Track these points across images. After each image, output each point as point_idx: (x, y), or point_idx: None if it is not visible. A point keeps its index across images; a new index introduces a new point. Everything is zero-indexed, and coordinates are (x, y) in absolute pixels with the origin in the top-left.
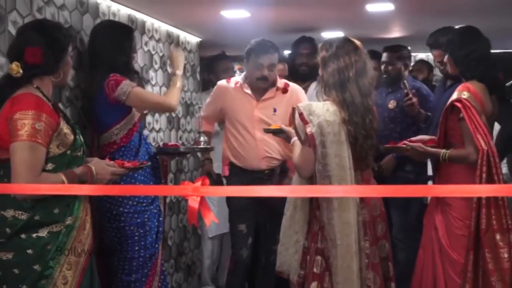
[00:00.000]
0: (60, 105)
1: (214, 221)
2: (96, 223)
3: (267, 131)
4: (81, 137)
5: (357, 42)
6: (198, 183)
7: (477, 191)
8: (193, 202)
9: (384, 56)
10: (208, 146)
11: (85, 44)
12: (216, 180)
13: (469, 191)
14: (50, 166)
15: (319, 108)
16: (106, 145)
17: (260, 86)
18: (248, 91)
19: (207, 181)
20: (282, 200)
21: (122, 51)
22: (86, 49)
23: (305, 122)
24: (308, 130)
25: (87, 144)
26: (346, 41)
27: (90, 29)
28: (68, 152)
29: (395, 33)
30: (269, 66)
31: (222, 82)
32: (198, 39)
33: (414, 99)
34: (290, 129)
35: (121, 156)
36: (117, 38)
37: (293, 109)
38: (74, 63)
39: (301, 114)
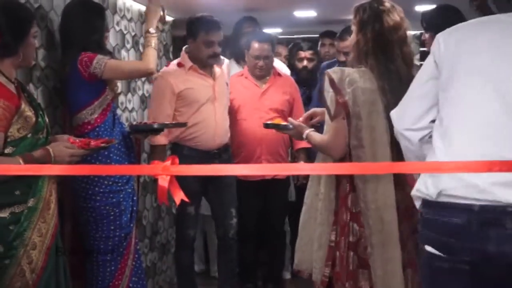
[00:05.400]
0: (30, 85)
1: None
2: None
3: (268, 126)
4: (45, 118)
5: (398, 7)
6: (168, 162)
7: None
8: (163, 182)
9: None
10: (182, 122)
11: (56, 24)
12: None
13: (435, 167)
14: (10, 149)
15: (353, 73)
16: (80, 126)
17: (211, 64)
18: (203, 71)
19: (177, 160)
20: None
21: (94, 30)
22: (56, 29)
23: (337, 90)
24: (341, 99)
25: (59, 124)
26: (385, 2)
27: (60, 8)
28: (29, 135)
29: None
30: (219, 42)
31: (165, 69)
32: (171, 19)
33: None
34: (300, 123)
35: (95, 136)
36: (89, 17)
37: (324, 75)
38: (45, 43)
39: (331, 81)
